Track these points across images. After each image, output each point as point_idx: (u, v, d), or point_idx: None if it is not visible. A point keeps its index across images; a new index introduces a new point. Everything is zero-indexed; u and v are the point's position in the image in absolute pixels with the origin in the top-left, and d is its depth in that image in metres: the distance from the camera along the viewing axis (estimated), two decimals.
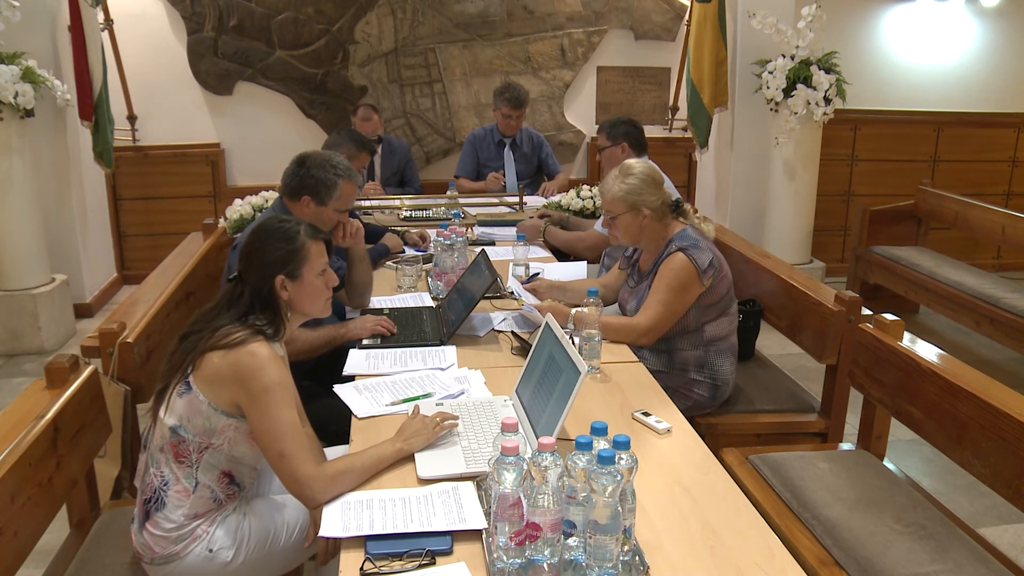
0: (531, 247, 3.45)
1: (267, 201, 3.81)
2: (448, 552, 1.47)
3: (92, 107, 4.61)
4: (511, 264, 3.18)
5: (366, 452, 1.73)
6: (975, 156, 5.98)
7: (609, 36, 5.71)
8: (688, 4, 5.42)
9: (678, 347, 2.59)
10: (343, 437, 1.96)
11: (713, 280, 2.51)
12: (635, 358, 2.40)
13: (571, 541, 1.38)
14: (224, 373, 1.71)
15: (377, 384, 2.17)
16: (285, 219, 1.93)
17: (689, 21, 5.31)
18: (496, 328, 2.59)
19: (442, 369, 2.27)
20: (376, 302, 2.85)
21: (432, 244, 3.37)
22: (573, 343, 2.07)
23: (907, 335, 2.38)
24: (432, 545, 1.47)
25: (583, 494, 1.36)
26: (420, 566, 1.43)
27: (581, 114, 5.84)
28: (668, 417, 1.99)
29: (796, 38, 4.89)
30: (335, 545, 1.59)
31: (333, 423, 2.13)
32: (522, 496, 1.34)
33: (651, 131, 5.54)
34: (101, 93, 4.65)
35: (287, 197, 2.57)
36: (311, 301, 1.90)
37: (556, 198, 4.31)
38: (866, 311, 2.61)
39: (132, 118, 5.36)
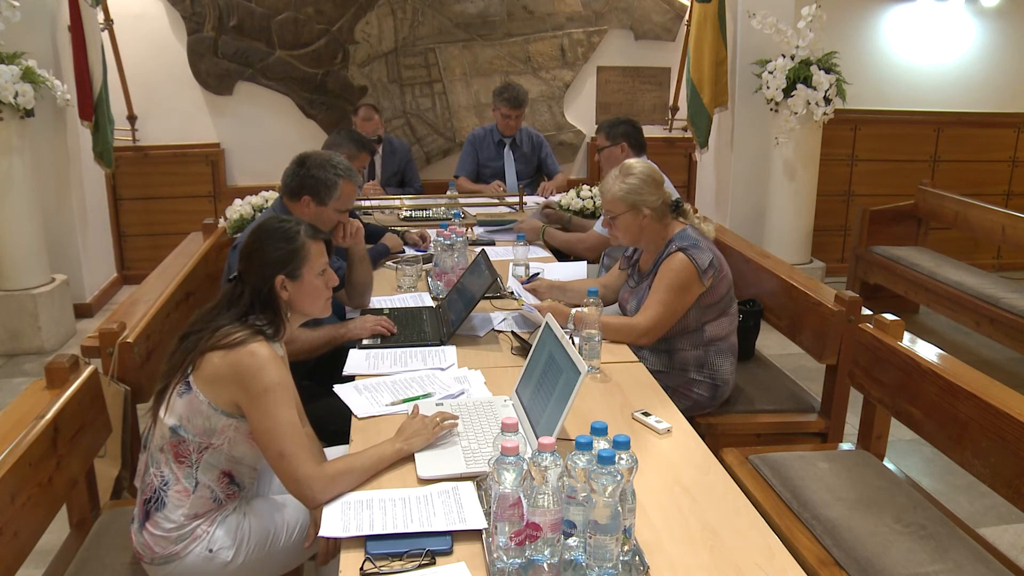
0: (531, 247, 3.45)
1: (267, 201, 3.81)
2: (448, 552, 1.47)
3: (92, 107, 4.62)
4: (511, 264, 3.18)
5: (366, 452, 1.73)
6: (975, 156, 5.99)
7: (609, 36, 5.71)
8: (688, 4, 5.42)
9: (678, 347, 2.59)
10: (343, 437, 1.96)
11: (713, 280, 2.51)
12: (635, 358, 2.40)
13: (571, 541, 1.38)
14: (224, 373, 1.71)
15: (377, 384, 2.17)
16: (285, 219, 1.93)
17: (689, 21, 5.31)
18: (496, 328, 2.59)
19: (442, 369, 2.27)
20: (376, 302, 2.85)
21: (432, 244, 3.37)
22: (573, 343, 2.07)
23: (907, 335, 2.38)
24: (432, 545, 1.47)
25: (583, 494, 1.36)
26: (420, 566, 1.43)
27: (581, 114, 5.85)
28: (668, 417, 1.99)
29: (796, 38, 4.89)
30: (335, 545, 1.59)
31: (333, 423, 2.13)
32: (522, 496, 1.34)
33: (651, 131, 5.56)
34: (101, 93, 4.65)
35: (287, 197, 2.57)
36: (311, 301, 1.90)
37: (556, 198, 4.31)
38: (866, 311, 2.61)
39: (132, 118, 5.37)
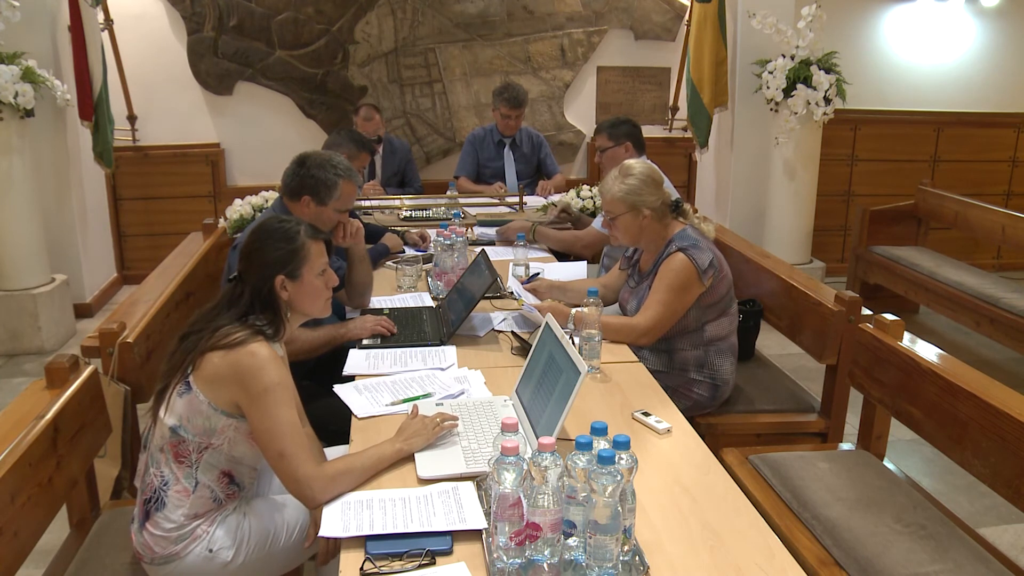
0: (530, 248, 3.45)
1: (267, 201, 3.82)
2: (448, 552, 1.47)
3: (92, 107, 4.61)
4: (511, 264, 3.18)
5: (366, 452, 1.73)
6: (975, 156, 5.98)
7: (609, 36, 5.71)
8: (688, 4, 5.42)
9: (678, 347, 2.59)
10: (343, 437, 1.96)
11: (713, 280, 2.51)
12: (635, 358, 2.40)
13: (571, 541, 1.38)
14: (224, 373, 1.71)
15: (377, 384, 2.17)
16: (285, 219, 1.93)
17: (689, 21, 5.31)
18: (496, 328, 2.59)
19: (442, 369, 2.27)
20: (376, 302, 2.85)
21: (432, 244, 3.37)
22: (573, 343, 2.07)
23: (907, 335, 2.38)
24: (432, 545, 1.47)
25: (583, 494, 1.36)
26: (420, 566, 1.43)
27: (581, 114, 5.85)
28: (668, 417, 1.99)
29: (796, 38, 4.89)
30: (335, 545, 1.59)
31: (333, 423, 2.13)
32: (522, 496, 1.34)
33: (651, 131, 5.57)
34: (101, 93, 4.65)
35: (287, 197, 2.57)
36: (311, 301, 1.90)
37: (555, 198, 4.31)
38: (866, 311, 2.61)
39: (132, 118, 5.37)
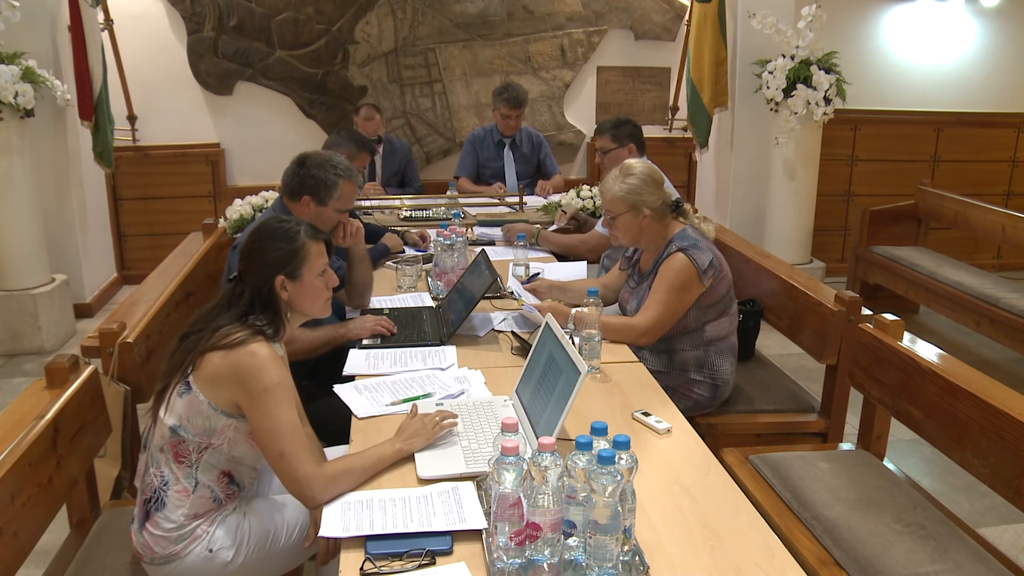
0: (530, 248, 3.45)
1: (267, 201, 3.81)
2: (448, 552, 1.47)
3: (92, 107, 4.61)
4: (511, 264, 3.18)
5: (366, 452, 1.73)
6: (975, 156, 5.98)
7: (609, 36, 5.71)
8: (688, 4, 5.42)
9: (678, 347, 2.59)
10: (343, 437, 1.96)
11: (713, 280, 2.51)
12: (635, 358, 2.40)
13: (571, 541, 1.38)
14: (224, 373, 1.71)
15: (377, 384, 2.17)
16: (285, 219, 1.93)
17: (689, 21, 5.31)
18: (496, 328, 2.59)
19: (442, 369, 2.27)
20: (376, 302, 2.85)
21: (432, 244, 3.37)
22: (573, 343, 2.07)
23: (907, 335, 2.38)
24: (432, 545, 1.47)
25: (583, 494, 1.36)
26: (420, 566, 1.43)
27: (581, 114, 5.84)
28: (668, 417, 1.99)
29: (796, 38, 4.89)
30: (335, 545, 1.59)
31: (333, 423, 2.13)
32: (522, 496, 1.34)
33: (651, 131, 5.56)
34: (101, 93, 4.65)
35: (287, 197, 2.57)
36: (311, 301, 1.90)
37: (555, 198, 4.31)
38: (866, 311, 2.61)
39: (132, 118, 5.36)
